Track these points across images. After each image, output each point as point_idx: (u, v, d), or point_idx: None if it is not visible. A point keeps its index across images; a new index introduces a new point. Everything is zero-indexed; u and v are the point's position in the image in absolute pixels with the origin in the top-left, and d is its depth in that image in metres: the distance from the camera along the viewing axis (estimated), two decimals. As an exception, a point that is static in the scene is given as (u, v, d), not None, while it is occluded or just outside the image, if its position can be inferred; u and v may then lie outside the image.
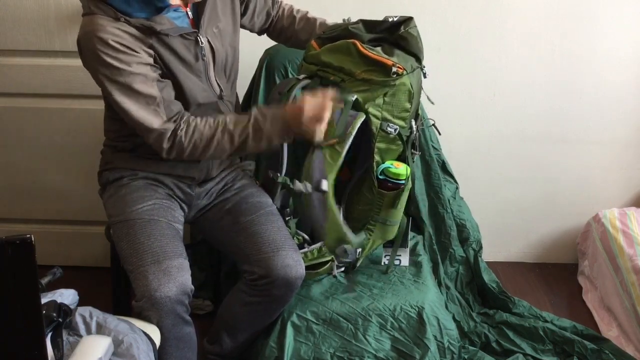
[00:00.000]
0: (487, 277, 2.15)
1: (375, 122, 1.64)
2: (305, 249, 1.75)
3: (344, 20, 1.74)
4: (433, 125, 1.89)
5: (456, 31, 2.19)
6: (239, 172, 1.85)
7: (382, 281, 1.82)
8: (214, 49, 1.62)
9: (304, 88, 1.66)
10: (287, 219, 1.78)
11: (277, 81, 1.99)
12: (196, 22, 1.60)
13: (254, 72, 2.07)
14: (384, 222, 1.75)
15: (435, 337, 1.72)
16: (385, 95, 1.62)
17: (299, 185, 1.60)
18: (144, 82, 1.48)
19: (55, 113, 2.22)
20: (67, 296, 1.40)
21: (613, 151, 2.38)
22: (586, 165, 2.40)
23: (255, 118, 1.54)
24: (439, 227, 2.16)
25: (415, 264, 1.92)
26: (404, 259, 1.92)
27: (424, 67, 1.71)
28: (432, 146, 2.15)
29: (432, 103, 1.78)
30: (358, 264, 1.84)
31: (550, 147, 2.37)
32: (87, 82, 1.61)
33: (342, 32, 1.68)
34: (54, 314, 1.22)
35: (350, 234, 1.70)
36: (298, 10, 1.86)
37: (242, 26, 1.78)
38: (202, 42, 1.58)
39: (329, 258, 1.77)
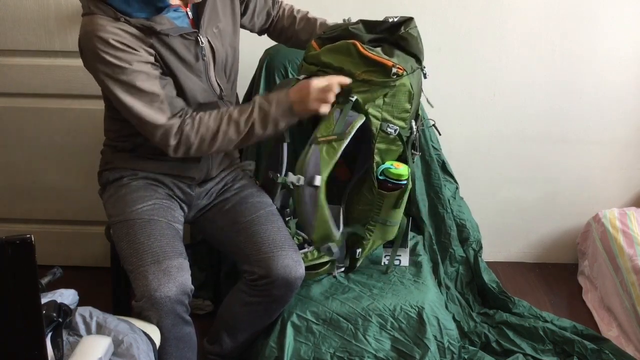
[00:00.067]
0: (487, 277, 2.15)
1: (375, 123, 1.64)
2: (305, 249, 1.75)
3: (344, 20, 1.74)
4: (433, 125, 1.89)
5: (456, 31, 2.19)
6: (238, 172, 1.85)
7: (382, 281, 1.82)
8: (214, 49, 1.62)
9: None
10: (287, 219, 1.78)
11: (277, 81, 1.99)
12: (196, 22, 1.60)
13: (254, 72, 2.07)
14: (384, 222, 1.75)
15: (435, 337, 1.72)
16: (385, 96, 1.62)
17: (292, 177, 1.61)
18: (146, 79, 1.48)
19: (55, 113, 2.22)
20: (67, 296, 1.40)
21: (613, 151, 2.38)
22: (586, 165, 2.40)
23: (260, 104, 1.56)
24: (439, 227, 2.16)
25: (415, 264, 1.92)
26: (404, 259, 1.92)
27: (424, 67, 1.70)
28: (432, 146, 2.15)
29: (432, 106, 1.79)
30: (358, 264, 1.84)
31: (550, 147, 2.37)
32: (87, 82, 1.61)
33: (343, 32, 1.67)
34: (54, 314, 1.22)
35: (336, 232, 1.70)
36: (298, 11, 1.86)
37: (242, 26, 1.78)
38: (202, 42, 1.58)
39: (328, 258, 1.77)
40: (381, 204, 1.72)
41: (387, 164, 1.70)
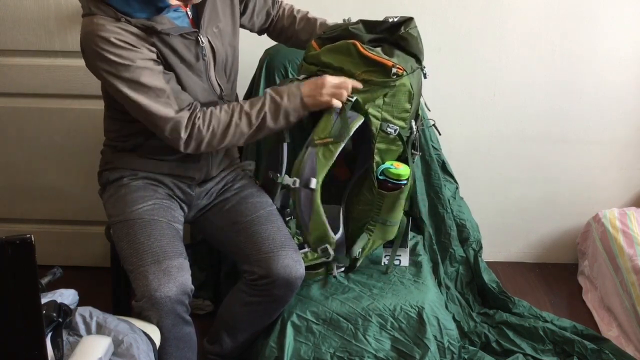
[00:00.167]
0: (487, 277, 2.15)
1: (375, 123, 1.64)
2: (305, 249, 1.75)
3: (344, 20, 1.74)
4: (433, 125, 1.89)
5: (456, 31, 2.19)
6: (238, 172, 1.85)
7: (382, 281, 1.82)
8: (214, 49, 1.62)
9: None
10: (287, 219, 1.78)
11: (277, 81, 1.99)
12: (196, 22, 1.60)
13: (254, 72, 2.07)
14: (384, 222, 1.75)
15: (435, 337, 1.72)
16: (385, 95, 1.62)
17: (287, 180, 1.63)
18: (150, 75, 1.48)
19: (55, 113, 2.21)
20: (67, 296, 1.40)
21: (613, 151, 2.38)
22: (586, 165, 2.40)
23: (271, 96, 1.56)
24: (439, 227, 2.16)
25: (415, 264, 1.92)
26: (404, 259, 1.92)
27: (424, 67, 1.71)
28: (432, 146, 2.15)
29: (429, 110, 1.80)
30: (358, 264, 1.84)
31: (550, 147, 2.37)
32: (87, 82, 1.62)
33: (342, 32, 1.67)
34: (54, 314, 1.22)
35: (332, 234, 1.70)
36: (298, 10, 1.86)
37: (242, 26, 1.78)
38: (202, 42, 1.57)
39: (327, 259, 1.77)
40: (381, 203, 1.72)
41: (387, 163, 1.70)
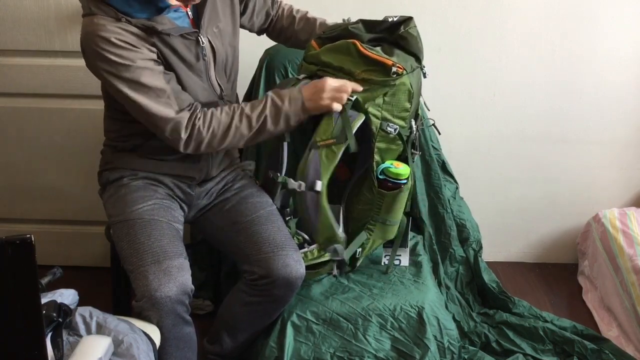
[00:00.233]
0: (487, 277, 2.15)
1: (375, 122, 1.64)
2: (305, 249, 1.74)
3: (344, 20, 1.74)
4: (433, 125, 1.89)
5: (456, 31, 2.20)
6: (238, 172, 1.85)
7: (382, 281, 1.82)
8: (214, 49, 1.62)
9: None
10: (287, 219, 1.78)
11: (277, 81, 1.99)
12: (196, 22, 1.60)
13: (254, 72, 2.07)
14: (384, 222, 1.75)
15: (435, 337, 1.72)
16: (385, 95, 1.62)
17: (293, 184, 1.63)
18: (150, 75, 1.48)
19: (55, 113, 2.21)
20: (67, 296, 1.40)
21: (613, 151, 2.38)
22: (586, 165, 2.40)
23: (272, 99, 1.57)
24: (439, 227, 2.16)
25: (415, 264, 1.92)
26: (404, 259, 1.92)
27: (424, 67, 1.71)
28: (432, 146, 2.15)
29: (429, 109, 1.79)
30: (358, 264, 1.84)
31: (550, 147, 2.37)
32: (87, 82, 1.62)
33: (342, 32, 1.68)
34: (54, 314, 1.22)
35: (340, 234, 1.70)
36: (298, 10, 1.86)
37: (242, 26, 1.78)
38: (202, 42, 1.58)
39: (328, 258, 1.77)
40: (381, 203, 1.72)
41: (387, 163, 1.70)
